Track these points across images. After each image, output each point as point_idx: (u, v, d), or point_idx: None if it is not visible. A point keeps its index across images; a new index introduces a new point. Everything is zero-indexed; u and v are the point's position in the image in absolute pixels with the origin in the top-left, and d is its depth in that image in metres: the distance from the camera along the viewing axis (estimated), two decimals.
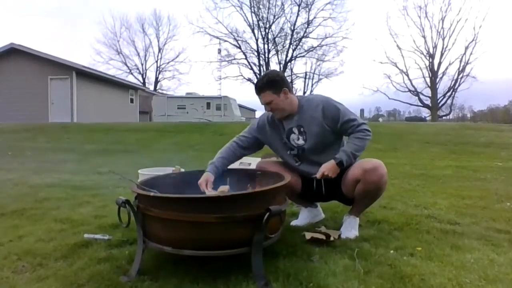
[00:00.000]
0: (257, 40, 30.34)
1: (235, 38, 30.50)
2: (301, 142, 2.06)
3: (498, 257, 1.70)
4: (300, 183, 2.12)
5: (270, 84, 2.03)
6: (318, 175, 1.94)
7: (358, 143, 1.96)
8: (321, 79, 30.59)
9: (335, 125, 2.00)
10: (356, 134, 1.98)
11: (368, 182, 1.90)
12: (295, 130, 2.07)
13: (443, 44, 28.98)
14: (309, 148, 2.04)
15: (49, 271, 1.57)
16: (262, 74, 2.64)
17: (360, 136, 1.98)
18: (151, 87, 34.32)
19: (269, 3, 29.57)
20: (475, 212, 2.53)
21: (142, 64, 36.85)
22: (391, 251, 1.76)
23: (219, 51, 31.74)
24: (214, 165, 2.03)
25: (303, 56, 30.02)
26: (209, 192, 1.85)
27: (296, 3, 28.98)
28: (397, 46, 31.03)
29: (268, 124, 2.14)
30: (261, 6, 29.93)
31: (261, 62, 30.76)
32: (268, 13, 30.03)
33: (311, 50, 29.81)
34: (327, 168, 1.92)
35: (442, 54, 29.23)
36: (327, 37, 29.05)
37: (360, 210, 2.09)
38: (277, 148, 2.15)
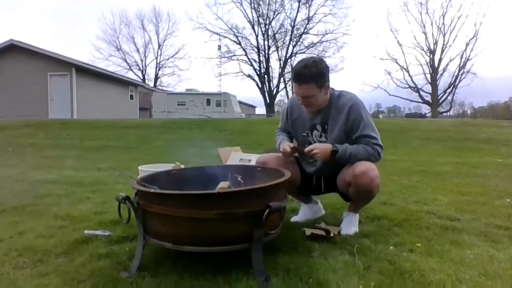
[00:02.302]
0: (257, 36, 30.30)
1: (235, 34, 30.47)
2: (323, 139, 1.99)
3: (498, 253, 1.70)
4: (299, 177, 2.11)
5: (318, 76, 1.81)
6: (306, 149, 1.86)
7: (363, 152, 1.86)
8: None
9: (352, 134, 1.89)
10: (368, 147, 1.88)
11: (358, 185, 1.84)
12: (319, 128, 1.99)
13: (444, 41, 28.97)
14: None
15: (50, 267, 1.57)
16: (304, 60, 1.87)
17: (369, 151, 1.88)
18: (151, 84, 34.29)
19: None
20: (475, 208, 2.53)
21: (141, 61, 36.82)
22: (391, 247, 1.77)
23: (219, 47, 31.72)
24: (285, 140, 2.08)
25: (303, 53, 29.96)
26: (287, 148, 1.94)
27: None
28: (398, 42, 31.07)
29: (295, 108, 2.06)
30: (261, 2, 29.86)
31: (261, 58, 30.74)
32: (268, 9, 29.97)
33: (312, 47, 29.78)
34: (320, 149, 1.83)
35: (442, 51, 29.21)
36: (327, 33, 29.04)
37: (358, 208, 2.09)
38: (297, 134, 2.12)
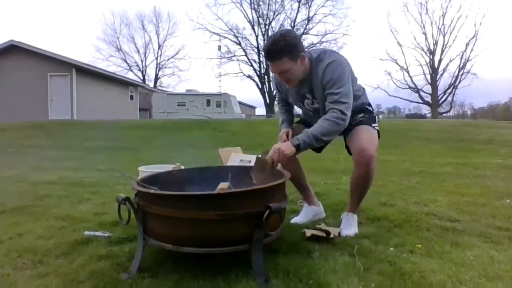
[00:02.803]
0: (257, 36, 30.33)
1: (235, 35, 30.50)
2: (315, 105, 1.96)
3: (498, 254, 1.70)
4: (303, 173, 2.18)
5: (289, 49, 1.72)
6: (269, 159, 1.73)
7: (325, 125, 1.75)
8: None
9: (324, 92, 1.82)
10: (329, 113, 1.77)
11: (358, 163, 1.90)
12: (309, 96, 1.95)
13: (444, 41, 29.03)
14: (323, 110, 1.89)
15: (50, 268, 1.57)
16: (272, 36, 1.78)
17: (330, 118, 1.76)
18: (151, 84, 34.33)
19: None
20: (475, 209, 2.53)
21: (142, 61, 36.87)
22: (391, 248, 1.76)
23: (219, 47, 31.76)
24: (286, 123, 2.09)
25: None
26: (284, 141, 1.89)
27: None
28: (398, 42, 31.18)
29: (282, 83, 2.00)
30: (261, 3, 29.89)
31: (261, 59, 30.71)
32: (268, 9, 30.00)
33: (311, 47, 29.70)
34: (280, 150, 1.69)
35: (442, 51, 29.27)
36: (327, 34, 29.08)
37: (356, 203, 2.07)
38: (293, 104, 2.13)
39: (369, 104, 2.16)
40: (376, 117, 2.15)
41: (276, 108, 33.08)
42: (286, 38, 1.72)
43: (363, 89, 2.14)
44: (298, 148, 1.73)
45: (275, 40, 1.73)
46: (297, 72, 1.81)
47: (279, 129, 2.15)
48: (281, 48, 1.71)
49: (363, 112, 2.07)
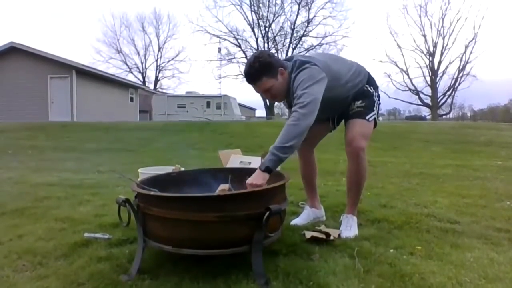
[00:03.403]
0: (257, 39, 30.35)
1: (235, 37, 30.52)
2: None
3: (498, 256, 1.70)
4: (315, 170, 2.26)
5: (265, 68, 1.79)
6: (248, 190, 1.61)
7: (285, 132, 1.68)
8: None
9: None
10: (288, 121, 1.73)
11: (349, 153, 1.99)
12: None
13: (443, 43, 29.05)
14: None
15: (50, 270, 1.57)
16: (247, 61, 1.87)
17: (287, 124, 1.70)
18: (151, 86, 34.37)
19: (269, 1, 29.59)
20: (475, 211, 2.53)
21: (142, 63, 36.91)
22: (391, 250, 1.76)
23: (219, 50, 31.78)
24: None
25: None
26: None
27: (296, 1, 28.98)
28: (397, 45, 31.21)
29: None
30: (261, 5, 29.92)
31: None
32: (268, 11, 30.03)
33: (311, 49, 29.75)
34: (252, 184, 1.61)
35: (442, 53, 29.29)
36: (327, 36, 29.06)
37: (353, 203, 2.10)
38: None
39: (370, 82, 2.11)
40: (376, 98, 2.11)
41: (276, 110, 33.09)
42: (260, 59, 1.81)
43: (360, 69, 2.09)
44: (269, 170, 1.64)
45: (250, 64, 1.82)
46: (280, 87, 1.86)
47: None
48: (257, 70, 1.80)
49: (361, 99, 2.05)
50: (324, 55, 2.22)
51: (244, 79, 1.88)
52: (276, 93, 1.88)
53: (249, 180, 1.64)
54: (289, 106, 2.05)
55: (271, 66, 1.82)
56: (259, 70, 1.80)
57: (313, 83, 1.78)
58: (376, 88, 2.14)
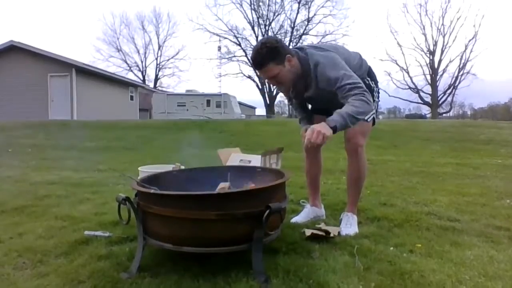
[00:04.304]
0: (257, 37, 30.35)
1: (235, 35, 30.53)
2: (309, 94, 1.96)
3: (498, 254, 1.70)
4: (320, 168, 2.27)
5: (272, 54, 1.75)
6: (306, 142, 1.62)
7: (359, 105, 1.67)
8: None
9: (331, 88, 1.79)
10: (356, 96, 1.69)
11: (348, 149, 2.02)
12: (307, 93, 1.96)
13: (444, 41, 29.04)
14: (315, 98, 1.96)
15: (50, 268, 1.57)
16: (255, 46, 1.84)
17: (359, 99, 1.68)
18: (151, 85, 34.33)
19: (269, 0, 29.52)
20: (475, 209, 2.53)
21: (142, 62, 36.87)
22: (391, 248, 1.77)
23: (219, 48, 31.79)
24: (305, 120, 2.15)
25: None
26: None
27: (296, 0, 28.93)
28: (398, 43, 31.15)
29: None
30: (261, 3, 29.93)
31: None
32: (268, 10, 30.04)
33: None
34: (319, 131, 1.59)
35: (442, 52, 29.28)
36: (327, 34, 29.08)
37: (353, 201, 2.10)
38: None
39: (371, 76, 2.09)
40: (376, 94, 2.10)
41: (276, 109, 33.07)
42: (267, 45, 1.76)
43: (362, 61, 2.06)
44: (335, 129, 1.63)
45: (257, 50, 1.79)
46: (287, 74, 1.82)
47: (300, 127, 2.18)
48: (264, 55, 1.76)
49: None
50: (331, 46, 2.07)
51: (252, 66, 1.84)
52: (282, 80, 1.84)
53: (316, 126, 1.61)
54: (296, 96, 2.02)
55: (278, 52, 1.77)
56: (265, 55, 1.76)
57: (345, 67, 1.77)
58: (376, 82, 2.13)
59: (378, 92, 2.14)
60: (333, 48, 1.92)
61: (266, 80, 1.92)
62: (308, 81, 1.91)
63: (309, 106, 2.23)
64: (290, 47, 1.90)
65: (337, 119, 1.64)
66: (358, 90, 1.70)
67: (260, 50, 1.77)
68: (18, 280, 1.47)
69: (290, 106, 2.29)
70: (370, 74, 2.11)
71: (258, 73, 1.91)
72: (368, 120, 2.01)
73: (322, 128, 1.60)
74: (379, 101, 2.15)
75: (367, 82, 2.05)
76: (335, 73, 1.75)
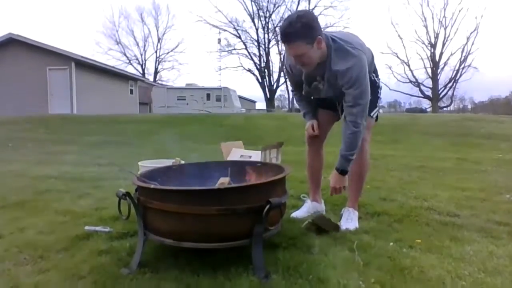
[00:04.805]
0: (257, 29, 30.22)
1: (235, 28, 30.35)
2: (320, 86, 1.92)
3: (497, 249, 1.70)
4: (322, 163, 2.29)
5: (305, 31, 1.64)
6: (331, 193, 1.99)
7: (349, 139, 1.84)
8: None
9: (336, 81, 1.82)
10: (346, 127, 1.83)
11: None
12: (319, 79, 1.90)
13: (445, 34, 28.86)
14: (327, 91, 1.94)
15: (50, 263, 1.58)
16: (289, 17, 1.72)
17: (347, 132, 1.83)
18: (151, 78, 34.23)
19: None
20: (475, 204, 2.53)
21: (141, 55, 36.71)
22: (391, 243, 1.77)
23: (219, 41, 31.61)
24: (310, 114, 2.17)
25: None
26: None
27: None
28: (399, 35, 30.92)
29: (293, 65, 1.95)
30: None
31: (261, 52, 30.63)
32: (268, 1, 29.79)
33: None
34: (338, 188, 1.93)
35: (443, 44, 29.12)
36: (328, 27, 28.83)
37: (355, 196, 2.11)
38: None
39: (375, 72, 2.08)
40: (379, 91, 2.10)
41: (276, 103, 32.99)
42: (302, 20, 1.64)
43: (370, 53, 1.99)
44: (343, 172, 1.91)
45: (291, 22, 1.65)
46: (314, 55, 1.72)
47: (304, 121, 2.24)
48: (296, 31, 1.64)
49: None
50: (349, 34, 1.97)
51: (281, 38, 1.71)
52: (307, 61, 1.75)
53: (334, 183, 1.92)
54: (310, 78, 1.93)
55: (312, 31, 1.65)
56: (298, 31, 1.63)
57: (366, 80, 1.78)
58: (377, 76, 2.11)
59: (380, 88, 2.13)
60: (360, 46, 1.82)
61: (290, 57, 1.80)
62: (323, 70, 1.84)
63: (312, 97, 2.20)
64: None
65: (343, 164, 1.89)
66: (351, 119, 1.82)
67: (294, 23, 1.64)
68: (19, 275, 1.47)
69: (291, 100, 2.27)
70: (375, 70, 2.10)
71: (284, 47, 1.76)
72: (373, 116, 2.02)
73: (337, 183, 1.92)
74: (380, 98, 2.13)
75: (373, 78, 2.03)
76: (357, 87, 1.77)
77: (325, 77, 1.87)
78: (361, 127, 1.83)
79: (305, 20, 1.65)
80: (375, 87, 2.04)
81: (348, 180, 2.00)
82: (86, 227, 1.99)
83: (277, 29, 29.62)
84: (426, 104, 33.39)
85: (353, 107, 1.81)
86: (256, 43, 30.62)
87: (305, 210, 2.26)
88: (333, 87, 1.88)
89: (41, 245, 1.76)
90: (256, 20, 30.32)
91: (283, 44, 1.79)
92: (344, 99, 1.84)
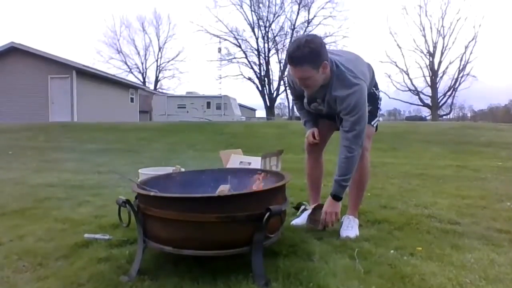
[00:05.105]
0: (257, 39, 30.45)
1: (235, 37, 30.61)
2: (320, 107, 1.97)
3: (498, 257, 1.70)
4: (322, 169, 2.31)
5: (313, 57, 1.67)
6: (321, 227, 1.99)
7: (344, 164, 1.85)
8: None
9: (335, 105, 1.86)
10: (341, 151, 1.85)
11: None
12: (319, 101, 1.95)
13: (443, 43, 29.11)
14: (327, 113, 2.02)
15: (50, 270, 1.57)
16: (297, 40, 1.75)
17: (347, 154, 1.83)
18: (151, 86, 34.41)
19: (268, 1, 29.67)
20: (476, 212, 2.53)
21: (142, 63, 36.98)
22: (391, 251, 1.76)
23: (219, 50, 31.84)
24: (310, 123, 2.17)
25: None
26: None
27: (296, 1, 29.06)
28: (397, 45, 31.18)
29: (294, 82, 1.98)
30: (261, 5, 29.98)
31: (261, 61, 30.85)
32: (268, 11, 30.10)
33: None
34: (332, 213, 1.91)
35: (442, 53, 29.36)
36: (327, 36, 29.10)
37: (355, 204, 2.11)
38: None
39: (375, 86, 2.12)
40: (379, 102, 2.13)
41: (276, 111, 33.08)
42: (311, 45, 1.67)
43: (371, 71, 2.04)
44: (339, 199, 1.92)
45: (299, 46, 1.68)
46: (318, 79, 1.77)
47: (305, 129, 2.25)
48: (304, 55, 1.67)
49: (368, 102, 1.99)
50: (353, 59, 1.99)
51: (288, 60, 1.75)
52: (311, 84, 1.79)
53: (326, 209, 1.92)
54: (311, 99, 1.98)
55: (319, 56, 1.69)
56: (306, 56, 1.67)
57: (364, 107, 1.82)
58: (378, 89, 2.16)
59: (380, 99, 2.16)
60: (362, 75, 1.85)
61: (294, 79, 1.83)
62: (324, 93, 1.89)
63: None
64: None
65: (338, 190, 1.90)
66: (346, 144, 1.84)
67: (302, 48, 1.67)
68: (18, 283, 1.47)
69: (291, 108, 2.30)
70: (375, 84, 2.13)
71: (290, 68, 1.79)
72: (374, 125, 2.04)
73: (331, 208, 1.91)
74: (380, 109, 2.16)
75: (373, 91, 2.08)
76: (354, 112, 1.79)
77: (325, 100, 1.91)
78: (355, 152, 1.84)
79: (313, 45, 1.68)
80: (375, 99, 2.09)
81: (349, 187, 2.01)
82: (86, 235, 1.98)
83: (277, 38, 29.89)
84: (425, 112, 33.51)
85: (348, 132, 1.83)
86: (256, 52, 30.87)
87: (304, 218, 2.26)
88: (333, 110, 1.93)
89: (41, 253, 1.76)
90: (256, 30, 30.61)
91: (288, 65, 1.81)
92: (342, 124, 1.88)
